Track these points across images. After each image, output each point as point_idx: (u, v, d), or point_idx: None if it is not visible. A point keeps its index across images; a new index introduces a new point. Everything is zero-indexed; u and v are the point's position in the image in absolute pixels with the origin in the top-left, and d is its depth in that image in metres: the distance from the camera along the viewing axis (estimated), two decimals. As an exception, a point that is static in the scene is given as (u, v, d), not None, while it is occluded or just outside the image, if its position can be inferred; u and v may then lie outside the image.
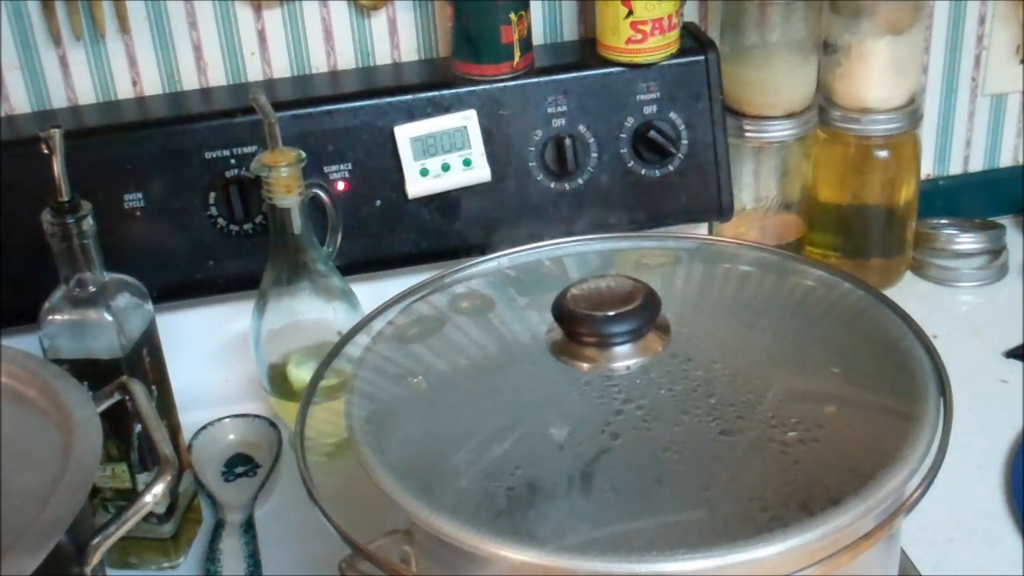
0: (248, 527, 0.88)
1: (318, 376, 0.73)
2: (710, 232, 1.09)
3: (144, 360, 0.84)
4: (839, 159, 1.10)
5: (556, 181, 1.00)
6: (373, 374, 0.73)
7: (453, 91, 0.98)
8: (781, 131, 1.07)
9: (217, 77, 1.03)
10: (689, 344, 0.70)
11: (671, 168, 1.02)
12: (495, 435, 0.66)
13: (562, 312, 0.69)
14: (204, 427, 0.97)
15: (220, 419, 0.98)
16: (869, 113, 1.07)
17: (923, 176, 1.18)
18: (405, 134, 0.97)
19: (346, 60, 1.04)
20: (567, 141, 0.99)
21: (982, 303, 1.13)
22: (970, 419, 0.93)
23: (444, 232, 0.99)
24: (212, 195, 0.95)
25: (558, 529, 0.60)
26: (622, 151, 1.01)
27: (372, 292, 0.89)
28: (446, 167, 0.98)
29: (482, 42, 0.98)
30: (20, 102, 1.00)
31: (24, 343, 0.81)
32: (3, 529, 0.61)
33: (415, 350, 0.76)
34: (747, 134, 1.07)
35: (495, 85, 0.98)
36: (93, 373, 0.80)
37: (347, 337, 0.76)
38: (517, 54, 0.98)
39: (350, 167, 0.97)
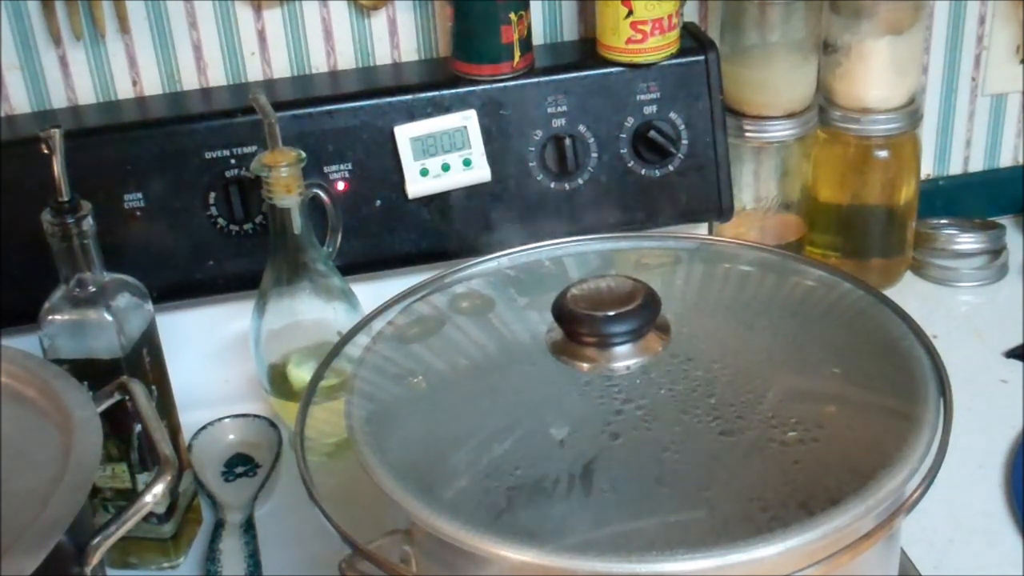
0: (248, 527, 0.88)
1: (318, 376, 0.73)
2: (710, 232, 1.09)
3: (144, 360, 0.84)
4: (839, 159, 1.10)
5: (556, 181, 1.00)
6: (373, 374, 0.73)
7: (453, 91, 0.98)
8: (781, 131, 1.07)
9: (217, 77, 1.03)
10: (689, 344, 0.70)
11: (671, 168, 1.02)
12: (495, 435, 0.66)
13: (562, 312, 0.69)
14: (204, 427, 0.97)
15: (220, 419, 0.98)
16: (869, 113, 1.07)
17: (923, 176, 1.18)
18: (405, 134, 0.97)
19: (346, 60, 1.04)
20: (567, 141, 0.99)
21: (982, 303, 1.13)
22: (970, 419, 0.93)
23: (444, 232, 0.99)
24: (212, 195, 0.95)
25: (558, 529, 0.60)
26: (622, 151, 1.01)
27: (372, 292, 0.89)
28: (446, 167, 0.98)
29: (482, 42, 0.98)
30: (20, 102, 1.00)
31: (24, 343, 0.81)
32: (3, 529, 0.61)
33: (415, 350, 0.76)
34: (747, 134, 1.07)
35: (495, 85, 0.98)
36: (93, 373, 0.80)
37: (347, 337, 0.76)
38: (517, 54, 0.98)
39: (350, 167, 0.97)
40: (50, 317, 0.81)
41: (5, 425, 0.69)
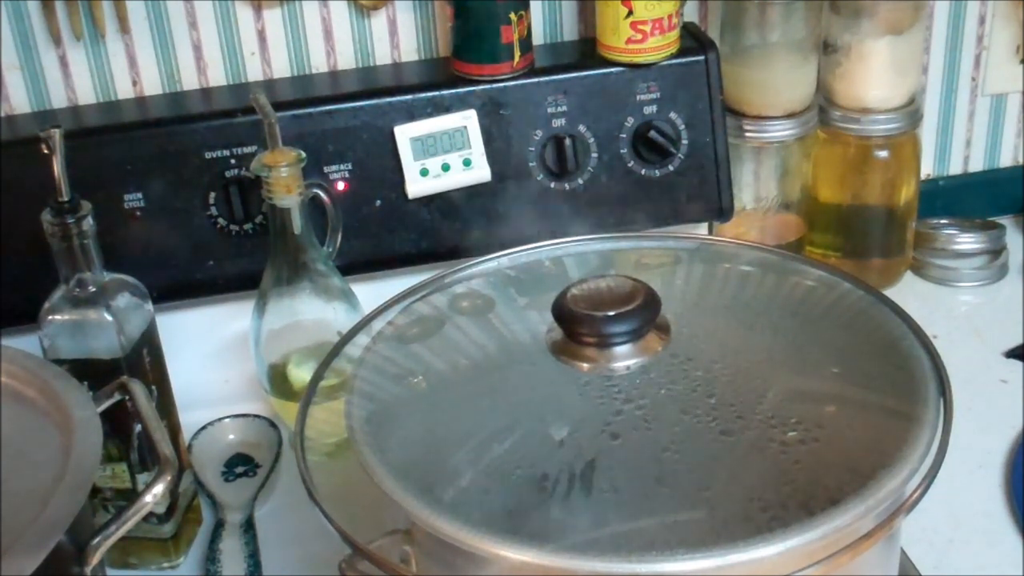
0: (248, 527, 0.88)
1: (318, 376, 0.73)
2: (710, 232, 1.09)
3: (144, 360, 0.84)
4: (839, 159, 1.10)
5: (556, 181, 1.00)
6: (373, 374, 0.73)
7: (453, 91, 0.98)
8: (781, 131, 1.07)
9: (217, 77, 1.03)
10: (689, 344, 0.70)
11: (671, 168, 1.02)
12: (495, 435, 0.66)
13: (562, 312, 0.69)
14: (204, 427, 0.97)
15: (220, 419, 0.98)
16: (869, 113, 1.07)
17: (923, 176, 1.18)
18: (405, 134, 0.97)
19: (346, 60, 1.04)
20: (567, 141, 0.99)
21: (982, 303, 1.13)
22: (970, 419, 0.93)
23: (444, 232, 0.99)
24: (212, 195, 0.95)
25: (558, 529, 0.60)
26: (622, 151, 1.01)
27: (372, 292, 0.89)
28: (446, 167, 0.98)
29: (482, 42, 0.98)
30: (20, 102, 1.00)
31: (24, 343, 0.81)
32: (3, 529, 0.61)
33: (415, 350, 0.76)
34: (747, 134, 1.07)
35: (495, 85, 0.98)
36: (93, 373, 0.80)
37: (347, 337, 0.76)
38: (517, 54, 0.98)
39: (350, 167, 0.97)
40: (50, 317, 0.81)
41: (5, 425, 0.69)
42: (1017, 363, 1.03)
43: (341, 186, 0.97)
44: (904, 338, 0.72)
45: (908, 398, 0.67)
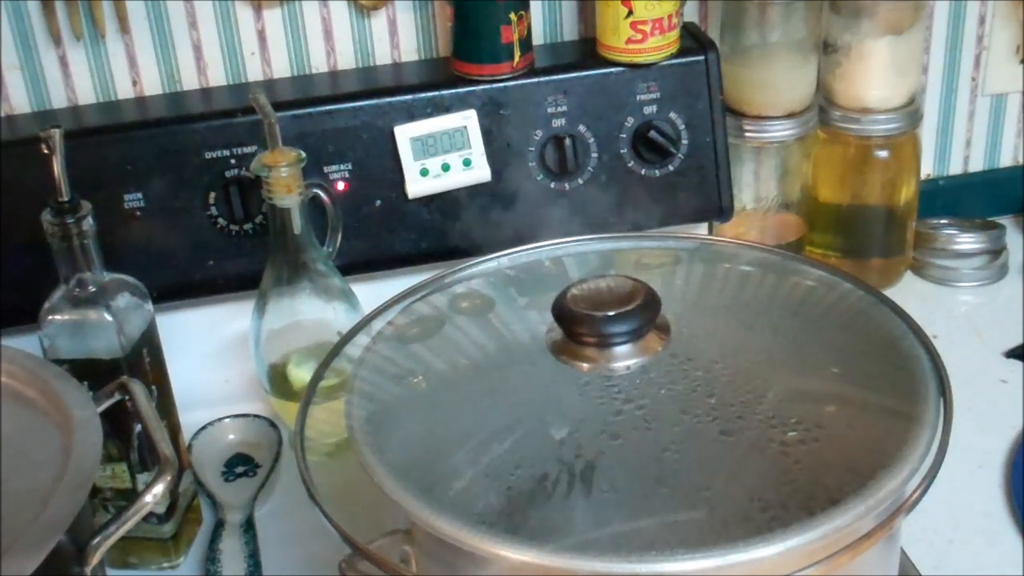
0: (248, 527, 0.88)
1: (318, 376, 0.73)
2: (710, 232, 1.09)
3: (144, 360, 0.84)
4: (839, 159, 1.10)
5: (556, 181, 1.00)
6: (373, 374, 0.73)
7: (453, 91, 0.98)
8: (781, 131, 1.07)
9: (217, 77, 1.03)
10: (689, 344, 0.70)
11: (671, 168, 1.02)
12: (495, 435, 0.66)
13: (562, 312, 0.69)
14: (204, 427, 0.97)
15: (220, 419, 0.98)
16: (869, 113, 1.07)
17: (923, 176, 1.18)
18: (405, 134, 0.97)
19: (346, 60, 1.04)
20: (567, 141, 0.99)
21: (982, 303, 1.13)
22: (970, 419, 0.93)
23: (444, 232, 0.99)
24: (212, 195, 0.95)
25: (558, 529, 0.60)
26: (622, 151, 1.01)
27: (372, 292, 0.89)
28: (446, 167, 0.98)
29: (482, 42, 0.98)
30: (20, 102, 1.00)
31: (24, 343, 0.81)
32: (3, 529, 0.61)
33: (415, 350, 0.76)
34: (747, 134, 1.07)
35: (495, 85, 0.98)
36: (93, 373, 0.80)
37: (347, 337, 0.76)
38: (517, 54, 0.98)
39: (350, 167, 0.97)
40: (50, 317, 0.81)
41: (5, 425, 0.69)
42: (1017, 363, 1.03)
43: (341, 186, 0.97)
44: (904, 338, 0.72)
45: (908, 398, 0.67)
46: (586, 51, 1.03)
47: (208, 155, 0.95)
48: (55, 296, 0.82)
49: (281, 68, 1.03)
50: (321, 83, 1.03)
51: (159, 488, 0.67)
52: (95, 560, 0.65)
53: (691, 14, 1.09)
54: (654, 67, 1.00)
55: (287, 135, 0.89)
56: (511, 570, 0.59)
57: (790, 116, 1.06)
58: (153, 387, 0.85)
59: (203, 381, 0.98)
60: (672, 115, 1.01)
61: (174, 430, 0.89)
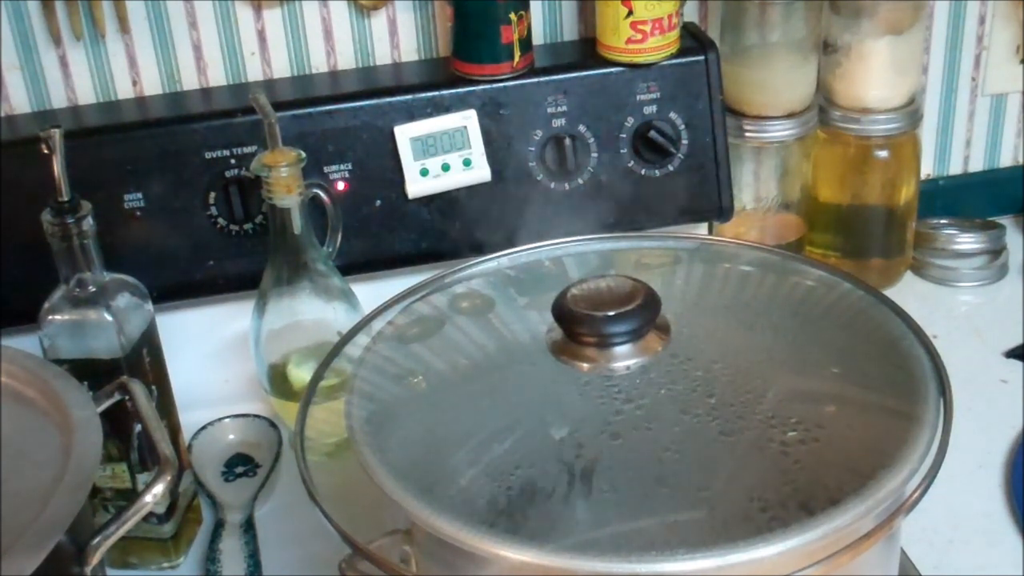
0: (248, 527, 0.88)
1: (318, 376, 0.73)
2: (710, 232, 1.09)
3: (144, 360, 0.84)
4: (839, 159, 1.10)
5: (556, 181, 1.00)
6: (373, 374, 0.73)
7: (453, 91, 0.98)
8: (781, 131, 1.07)
9: (217, 77, 1.03)
10: (689, 344, 0.70)
11: (671, 168, 1.02)
12: (495, 435, 0.66)
13: (562, 312, 0.69)
14: (204, 427, 0.97)
15: (220, 419, 0.98)
16: (869, 113, 1.07)
17: (923, 176, 1.18)
18: (405, 134, 0.97)
19: (346, 60, 1.04)
20: (567, 141, 0.99)
21: (982, 303, 1.13)
22: (970, 419, 0.93)
23: (444, 232, 0.99)
24: (212, 195, 0.95)
25: (558, 529, 0.60)
26: (622, 151, 1.01)
27: (372, 292, 0.89)
28: (446, 167, 0.98)
29: (482, 42, 0.98)
30: (20, 102, 1.00)
31: (24, 343, 0.81)
32: (3, 529, 0.61)
33: (415, 350, 0.76)
34: (747, 134, 1.07)
35: (495, 85, 0.98)
36: (93, 373, 0.80)
37: (347, 337, 0.76)
38: (517, 54, 0.98)
39: (350, 167, 0.97)
40: (50, 317, 0.81)
41: (5, 425, 0.69)
42: (1017, 363, 1.03)
43: (341, 186, 0.97)
44: (904, 338, 0.72)
45: (908, 398, 0.67)
46: (586, 51, 1.03)
47: (208, 155, 0.95)
48: (55, 296, 0.82)
49: (281, 68, 1.03)
50: (321, 83, 1.03)
51: (159, 488, 0.67)
52: (95, 560, 0.65)
53: (691, 14, 1.09)
54: (654, 67, 1.00)
55: (287, 135, 0.89)
56: (511, 570, 0.59)
57: (790, 116, 1.06)
58: (153, 387, 0.85)
59: (203, 381, 0.98)
60: (672, 115, 1.01)
61: (174, 430, 0.89)
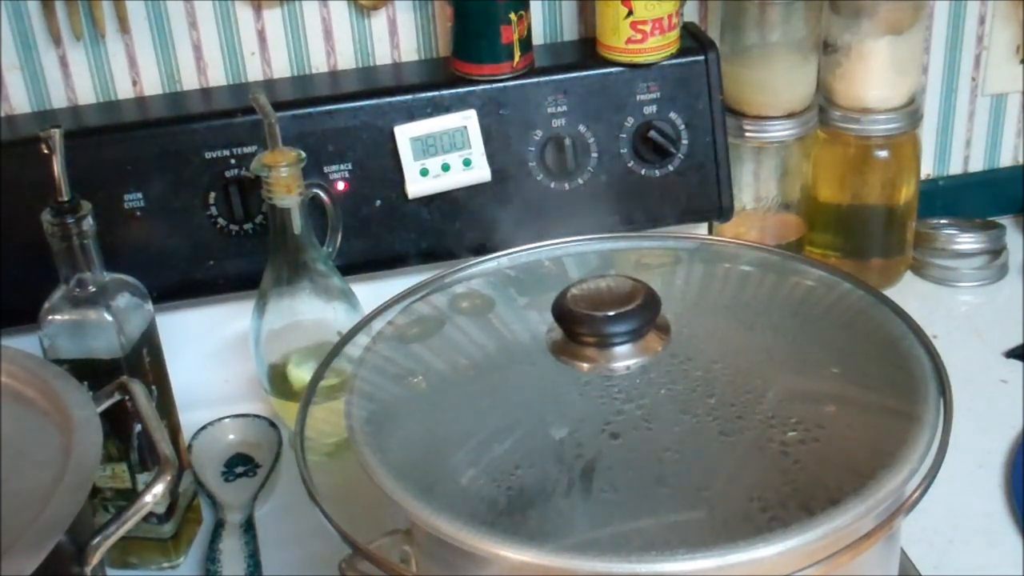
0: (248, 527, 0.88)
1: (318, 376, 0.73)
2: (710, 232, 1.09)
3: (144, 360, 0.84)
4: (839, 159, 1.10)
5: (556, 181, 1.00)
6: (373, 374, 0.73)
7: (453, 91, 0.98)
8: (781, 131, 1.07)
9: (217, 77, 1.03)
10: (689, 344, 0.70)
11: (671, 168, 1.02)
12: (495, 435, 0.66)
13: (562, 312, 0.69)
14: (204, 427, 0.97)
15: (220, 419, 0.98)
16: (869, 113, 1.07)
17: (923, 176, 1.18)
18: (405, 134, 0.97)
19: (346, 60, 1.04)
20: (567, 141, 0.99)
21: (982, 303, 1.13)
22: (970, 419, 0.93)
23: (444, 232, 0.99)
24: (212, 195, 0.95)
25: (558, 529, 0.60)
26: (622, 151, 1.01)
27: (372, 292, 0.89)
28: (446, 167, 0.98)
29: (482, 42, 0.98)
30: (20, 102, 1.00)
31: (24, 343, 0.81)
32: (3, 529, 0.61)
33: (415, 350, 0.76)
34: (747, 134, 1.07)
35: (495, 85, 0.98)
36: (93, 373, 0.80)
37: (347, 337, 0.76)
38: (517, 54, 0.98)
39: (350, 167, 0.97)
40: (50, 317, 0.81)
41: (5, 425, 0.70)
42: (1017, 363, 1.03)
43: (341, 186, 0.97)
44: (904, 338, 0.72)
45: (908, 398, 0.67)
46: (586, 51, 1.03)
47: (208, 155, 0.95)
48: (55, 296, 0.82)
49: (281, 68, 1.03)
50: (321, 83, 1.03)
51: (159, 488, 0.67)
52: (95, 560, 0.65)
53: (691, 14, 1.09)
54: (654, 67, 1.00)
55: (287, 135, 0.89)
56: (511, 570, 0.59)
57: (790, 116, 1.06)
58: (153, 387, 0.85)
59: (203, 381, 0.98)
60: (672, 115, 1.01)
61: (174, 430, 0.89)
